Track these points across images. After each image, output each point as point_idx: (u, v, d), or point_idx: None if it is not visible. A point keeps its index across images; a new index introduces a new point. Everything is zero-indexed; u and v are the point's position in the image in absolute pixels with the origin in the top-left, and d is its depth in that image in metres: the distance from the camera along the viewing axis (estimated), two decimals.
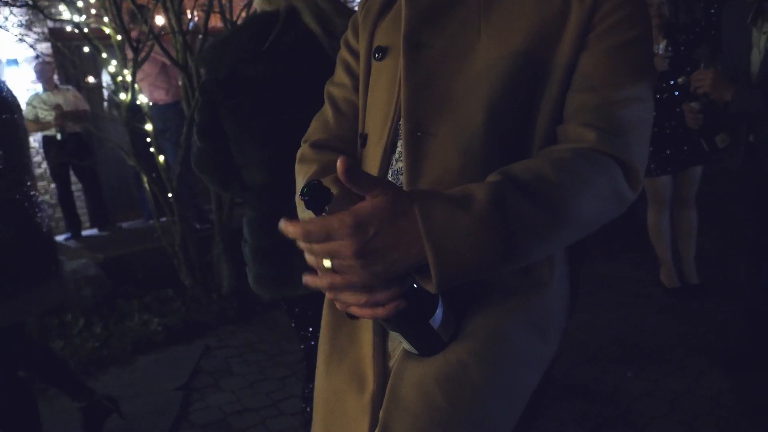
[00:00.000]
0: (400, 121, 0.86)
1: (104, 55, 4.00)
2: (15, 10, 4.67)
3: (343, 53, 1.05)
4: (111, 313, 3.89)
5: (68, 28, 4.70)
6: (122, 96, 3.96)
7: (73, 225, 5.69)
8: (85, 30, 3.92)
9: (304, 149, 1.02)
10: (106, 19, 3.95)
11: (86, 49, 4.57)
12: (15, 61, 6.07)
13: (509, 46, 0.80)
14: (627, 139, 0.77)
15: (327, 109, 1.04)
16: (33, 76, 5.65)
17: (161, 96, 5.24)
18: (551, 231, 0.71)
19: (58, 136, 5.42)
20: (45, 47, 5.65)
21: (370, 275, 0.67)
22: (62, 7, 4.00)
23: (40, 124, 5.37)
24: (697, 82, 2.42)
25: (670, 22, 3.22)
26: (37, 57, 5.23)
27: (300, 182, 0.97)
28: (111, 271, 4.32)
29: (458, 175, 0.81)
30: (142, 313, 3.83)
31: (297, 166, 1.01)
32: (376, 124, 0.92)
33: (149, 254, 4.51)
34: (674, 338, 3.03)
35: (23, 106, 5.34)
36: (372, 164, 0.91)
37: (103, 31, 4.02)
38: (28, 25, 5.36)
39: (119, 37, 3.89)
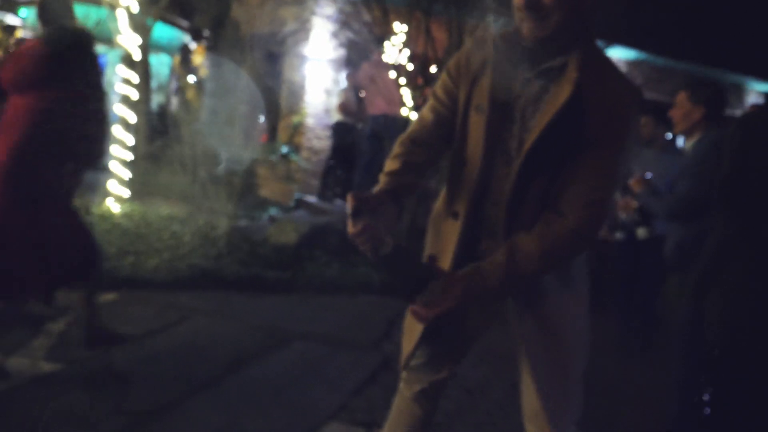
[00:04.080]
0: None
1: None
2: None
3: (447, 77, 1.47)
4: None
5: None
6: None
7: (324, 192, 7.22)
8: None
9: (402, 139, 1.49)
10: None
11: None
12: (319, 59, 7.86)
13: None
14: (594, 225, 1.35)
15: (427, 113, 1.49)
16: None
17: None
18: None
19: (359, 125, 6.95)
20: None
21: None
22: None
23: (346, 109, 6.96)
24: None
25: None
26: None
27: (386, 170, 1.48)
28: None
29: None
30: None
31: (392, 154, 1.48)
32: (476, 151, 1.43)
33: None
34: None
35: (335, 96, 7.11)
36: (470, 177, 1.44)
37: None
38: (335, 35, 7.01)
39: None
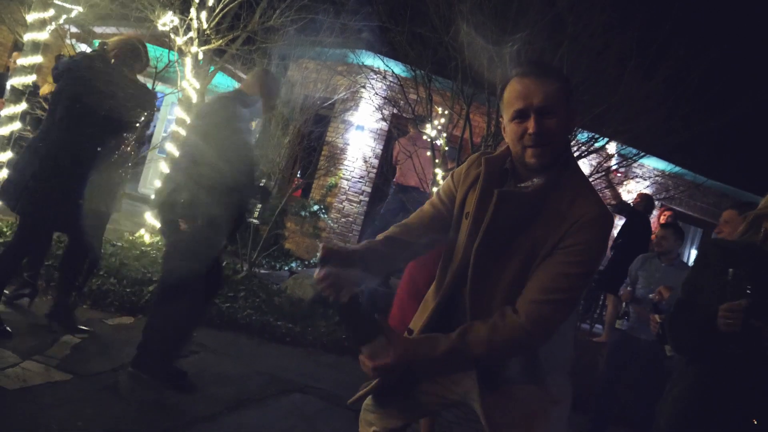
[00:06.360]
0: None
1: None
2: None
3: (450, 181, 1.69)
4: None
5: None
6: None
7: None
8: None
9: (398, 223, 1.69)
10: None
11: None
12: (362, 127, 8.21)
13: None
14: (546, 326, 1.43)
15: (427, 206, 1.71)
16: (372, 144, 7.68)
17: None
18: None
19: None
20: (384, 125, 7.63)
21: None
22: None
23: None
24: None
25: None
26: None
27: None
28: None
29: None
30: None
31: (384, 232, 1.68)
32: (460, 250, 1.59)
33: None
34: None
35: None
36: (452, 270, 1.60)
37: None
38: (381, 109, 7.37)
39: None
